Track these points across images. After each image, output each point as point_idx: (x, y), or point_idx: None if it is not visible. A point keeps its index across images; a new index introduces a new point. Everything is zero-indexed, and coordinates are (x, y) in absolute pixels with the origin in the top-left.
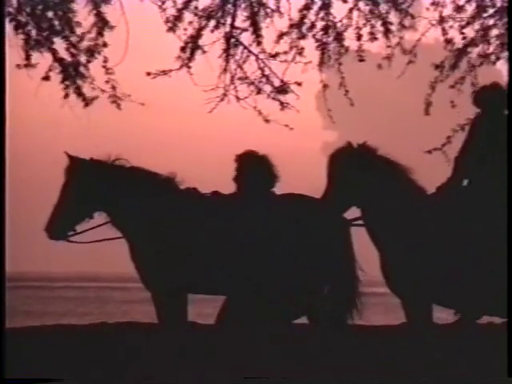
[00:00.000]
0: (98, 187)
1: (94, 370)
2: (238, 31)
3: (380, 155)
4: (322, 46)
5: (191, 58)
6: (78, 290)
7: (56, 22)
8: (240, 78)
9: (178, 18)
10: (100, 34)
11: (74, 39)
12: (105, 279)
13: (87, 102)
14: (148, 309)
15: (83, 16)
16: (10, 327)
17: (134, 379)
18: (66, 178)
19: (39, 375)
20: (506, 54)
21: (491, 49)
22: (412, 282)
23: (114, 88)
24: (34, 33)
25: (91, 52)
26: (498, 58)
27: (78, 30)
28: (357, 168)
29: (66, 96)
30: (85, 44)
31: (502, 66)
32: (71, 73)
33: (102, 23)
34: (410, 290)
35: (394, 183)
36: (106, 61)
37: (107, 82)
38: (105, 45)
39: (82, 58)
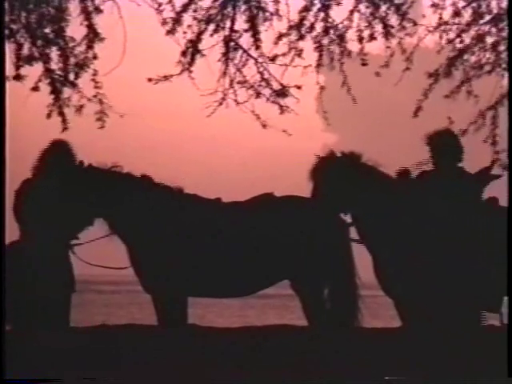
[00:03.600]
0: (97, 194)
1: (93, 370)
2: (237, 35)
3: (364, 162)
4: (320, 48)
5: (192, 62)
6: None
7: (49, 32)
8: (239, 82)
9: (176, 21)
10: (90, 46)
11: (66, 49)
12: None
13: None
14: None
15: (76, 26)
16: (9, 328)
17: (133, 380)
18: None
19: (39, 376)
20: (501, 63)
21: (487, 57)
22: (404, 283)
23: (101, 102)
24: (26, 44)
25: (81, 66)
26: (493, 69)
27: (70, 42)
28: (341, 177)
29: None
30: (75, 58)
31: (496, 75)
32: (61, 82)
33: (92, 35)
34: (402, 291)
35: (380, 188)
36: (95, 74)
37: (95, 96)
38: (95, 57)
39: (72, 72)
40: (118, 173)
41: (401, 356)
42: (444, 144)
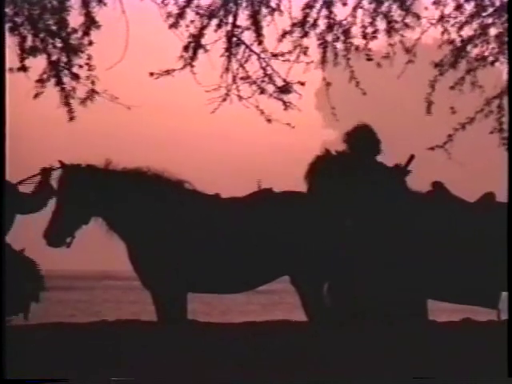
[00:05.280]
0: (94, 193)
1: (93, 368)
2: (240, 30)
3: (359, 160)
4: (324, 45)
5: (194, 57)
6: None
7: (51, 23)
8: (242, 78)
9: (179, 16)
10: (86, 33)
11: (68, 40)
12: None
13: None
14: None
15: (75, 17)
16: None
17: (132, 376)
18: (62, 186)
19: (39, 375)
20: (504, 54)
21: (490, 49)
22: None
23: (93, 83)
24: (29, 36)
25: (75, 51)
26: (496, 59)
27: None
28: (337, 174)
29: (62, 97)
30: (71, 43)
31: (500, 65)
32: (65, 74)
33: (89, 22)
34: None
35: (376, 185)
36: (89, 58)
37: (88, 77)
38: (90, 43)
39: (69, 57)
40: (115, 170)
41: (401, 354)
42: (362, 139)
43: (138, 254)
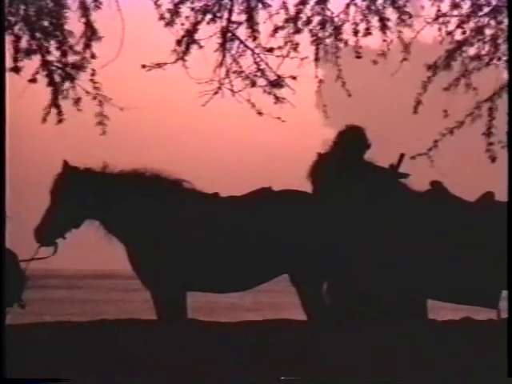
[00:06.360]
0: (92, 196)
1: (93, 367)
2: (235, 26)
3: (363, 159)
4: (318, 41)
5: (186, 51)
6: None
7: (47, 24)
8: (235, 72)
9: (174, 12)
10: (88, 45)
11: (64, 42)
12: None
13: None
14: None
15: (74, 22)
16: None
17: (132, 376)
18: (59, 186)
19: (39, 374)
20: (499, 54)
21: (486, 49)
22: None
23: (100, 104)
24: (25, 36)
25: (78, 67)
26: (491, 59)
27: (69, 36)
28: (340, 172)
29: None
30: (72, 58)
31: (495, 68)
32: (60, 75)
33: (90, 33)
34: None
35: (375, 185)
36: (93, 74)
37: (94, 98)
38: (93, 57)
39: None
40: (113, 172)
41: (401, 354)
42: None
43: (138, 254)
